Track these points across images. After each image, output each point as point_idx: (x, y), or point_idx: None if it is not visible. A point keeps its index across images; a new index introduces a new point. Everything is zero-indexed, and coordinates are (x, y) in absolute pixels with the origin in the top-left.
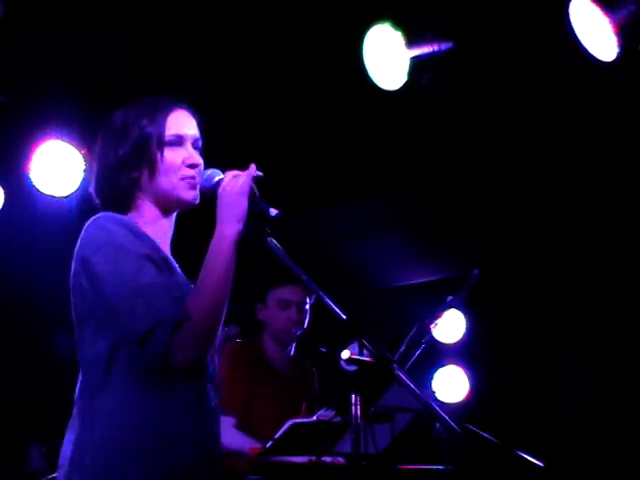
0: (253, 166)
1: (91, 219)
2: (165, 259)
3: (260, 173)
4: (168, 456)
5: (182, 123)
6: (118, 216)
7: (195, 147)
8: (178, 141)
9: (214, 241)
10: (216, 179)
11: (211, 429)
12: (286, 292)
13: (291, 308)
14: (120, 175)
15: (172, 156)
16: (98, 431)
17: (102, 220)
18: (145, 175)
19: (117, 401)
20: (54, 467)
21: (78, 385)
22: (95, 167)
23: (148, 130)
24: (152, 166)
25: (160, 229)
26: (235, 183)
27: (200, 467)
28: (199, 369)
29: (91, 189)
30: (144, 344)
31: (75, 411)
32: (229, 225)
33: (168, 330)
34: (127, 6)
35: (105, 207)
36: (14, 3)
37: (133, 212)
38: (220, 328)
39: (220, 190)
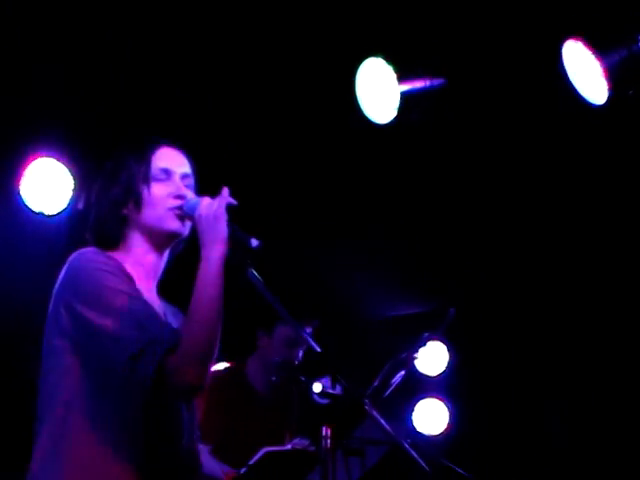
0: (226, 190)
1: (73, 255)
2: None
3: (233, 201)
4: None
5: (169, 159)
6: (100, 251)
7: (186, 184)
8: (165, 176)
9: (201, 266)
10: (192, 202)
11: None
12: (295, 331)
13: (297, 348)
14: (111, 215)
15: (158, 189)
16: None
17: (85, 256)
18: (133, 211)
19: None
20: None
21: (40, 426)
22: (91, 213)
23: (135, 168)
24: (138, 200)
25: (148, 265)
26: (210, 207)
27: None
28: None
29: (87, 235)
30: (134, 364)
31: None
32: (212, 248)
33: (160, 352)
34: (118, 26)
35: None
36: (5, 20)
37: (121, 250)
38: (214, 354)
39: (196, 215)
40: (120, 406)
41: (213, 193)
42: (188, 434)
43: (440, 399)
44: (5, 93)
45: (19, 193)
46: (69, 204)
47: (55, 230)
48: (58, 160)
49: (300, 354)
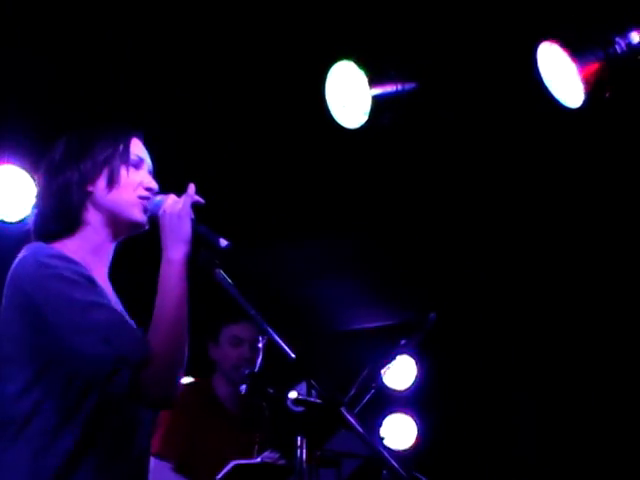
0: (192, 186)
1: (25, 252)
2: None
3: (200, 199)
4: None
5: (140, 149)
6: (53, 249)
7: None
8: (139, 164)
9: (162, 268)
10: (156, 200)
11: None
12: (239, 329)
13: (243, 346)
14: (77, 189)
15: (133, 175)
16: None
17: (40, 253)
18: (101, 188)
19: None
20: None
21: None
22: (45, 185)
23: (112, 147)
24: (113, 178)
25: (104, 253)
26: (175, 206)
27: None
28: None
29: (32, 213)
30: (109, 384)
31: None
32: (175, 249)
33: (134, 369)
34: (80, 31)
35: (41, 232)
36: None
37: (76, 237)
38: (185, 355)
39: (160, 213)
40: (77, 412)
41: (180, 191)
42: (140, 446)
43: (408, 414)
44: None
45: None
46: (32, 211)
47: (17, 238)
48: (20, 166)
49: (254, 359)
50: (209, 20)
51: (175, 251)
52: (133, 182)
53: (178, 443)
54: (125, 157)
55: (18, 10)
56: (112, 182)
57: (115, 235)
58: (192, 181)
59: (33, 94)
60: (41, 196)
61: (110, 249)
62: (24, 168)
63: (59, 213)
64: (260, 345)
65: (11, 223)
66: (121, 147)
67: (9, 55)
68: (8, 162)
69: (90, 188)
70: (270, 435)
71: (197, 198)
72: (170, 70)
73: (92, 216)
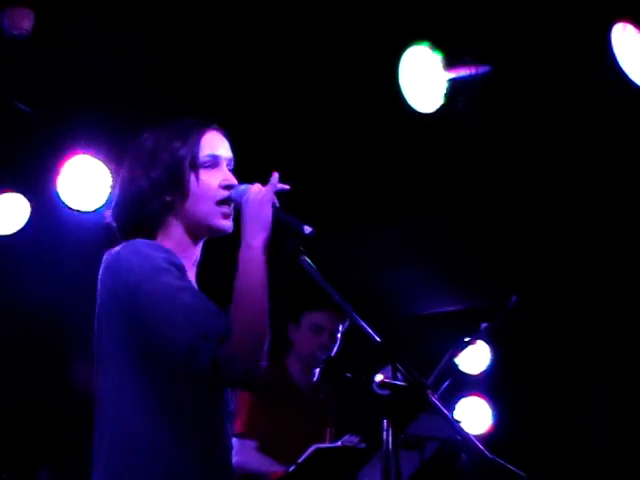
0: (276, 175)
1: (121, 246)
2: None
3: (284, 186)
4: None
5: (216, 144)
6: (152, 242)
7: (231, 169)
8: (213, 163)
9: (242, 253)
10: (240, 189)
11: (222, 462)
12: (321, 317)
13: (324, 334)
14: (152, 199)
15: (207, 178)
16: (103, 454)
17: (134, 243)
18: (177, 198)
19: (123, 427)
20: None
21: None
22: (121, 191)
23: (181, 152)
24: (185, 189)
25: (189, 257)
26: (257, 193)
27: None
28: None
29: (110, 213)
30: (191, 360)
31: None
32: (255, 235)
33: (213, 344)
34: (157, 23)
35: (127, 232)
36: (46, 18)
37: (162, 238)
38: (267, 338)
39: (243, 201)
40: (171, 392)
41: (261, 181)
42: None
43: (482, 397)
44: (44, 89)
45: (56, 191)
46: (107, 201)
47: (93, 228)
48: (95, 157)
49: (332, 345)
50: (281, 9)
51: (255, 237)
52: (209, 187)
53: (261, 424)
54: (194, 162)
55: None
56: (184, 192)
57: (198, 238)
58: (275, 170)
59: (109, 86)
60: (118, 204)
61: (197, 252)
62: (99, 158)
63: (137, 222)
64: (339, 334)
65: (86, 212)
66: (191, 150)
67: (86, 47)
68: (84, 152)
69: (168, 198)
70: (343, 419)
71: (281, 186)
72: (247, 60)
73: (174, 222)
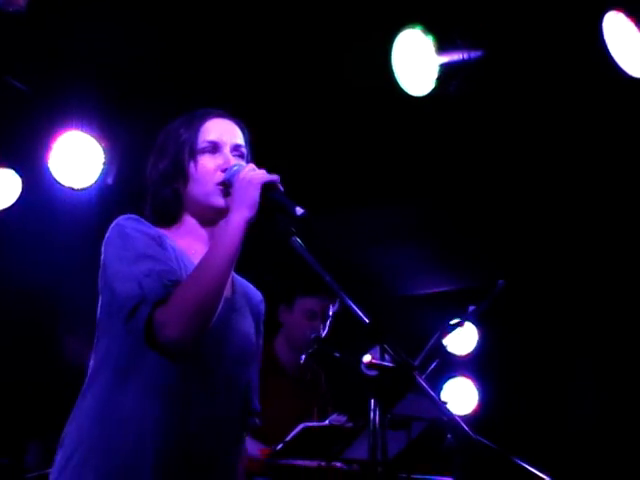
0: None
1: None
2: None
3: (274, 177)
4: (132, 454)
5: (219, 130)
6: (133, 215)
7: (238, 154)
8: (213, 148)
9: (220, 226)
10: (234, 168)
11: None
12: (314, 303)
13: (317, 319)
14: (162, 189)
15: (206, 162)
16: (74, 424)
17: (119, 219)
18: (182, 185)
19: (97, 396)
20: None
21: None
22: (148, 189)
23: (182, 139)
24: (185, 175)
25: (201, 237)
26: (247, 173)
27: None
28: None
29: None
30: (130, 321)
31: None
32: (237, 211)
33: (149, 307)
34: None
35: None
36: None
37: (176, 225)
38: (212, 312)
39: (234, 180)
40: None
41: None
42: (212, 404)
43: (469, 378)
44: (36, 65)
45: (48, 167)
46: (99, 178)
47: (85, 204)
48: (87, 133)
49: (323, 328)
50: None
51: (236, 214)
52: (208, 170)
53: None
54: (192, 149)
55: None
56: (186, 177)
57: (207, 222)
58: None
59: (101, 62)
60: (145, 199)
61: (208, 234)
62: (91, 135)
63: (157, 213)
64: (330, 315)
65: (78, 189)
66: (190, 137)
67: (79, 24)
68: (76, 129)
69: (176, 185)
70: (331, 399)
71: (270, 177)
72: (248, 50)
73: (185, 210)
